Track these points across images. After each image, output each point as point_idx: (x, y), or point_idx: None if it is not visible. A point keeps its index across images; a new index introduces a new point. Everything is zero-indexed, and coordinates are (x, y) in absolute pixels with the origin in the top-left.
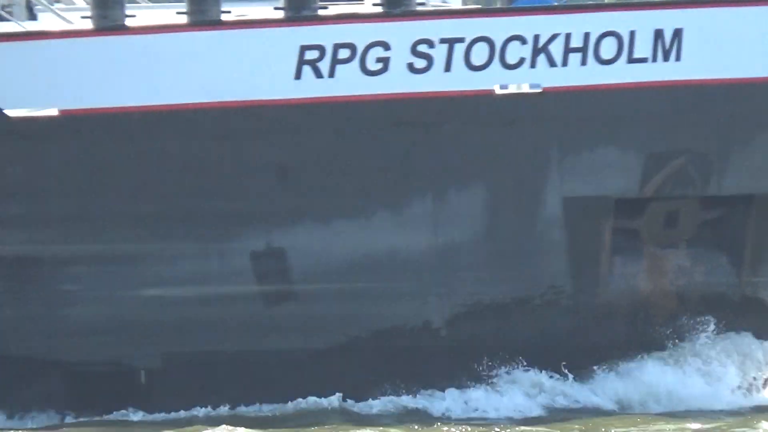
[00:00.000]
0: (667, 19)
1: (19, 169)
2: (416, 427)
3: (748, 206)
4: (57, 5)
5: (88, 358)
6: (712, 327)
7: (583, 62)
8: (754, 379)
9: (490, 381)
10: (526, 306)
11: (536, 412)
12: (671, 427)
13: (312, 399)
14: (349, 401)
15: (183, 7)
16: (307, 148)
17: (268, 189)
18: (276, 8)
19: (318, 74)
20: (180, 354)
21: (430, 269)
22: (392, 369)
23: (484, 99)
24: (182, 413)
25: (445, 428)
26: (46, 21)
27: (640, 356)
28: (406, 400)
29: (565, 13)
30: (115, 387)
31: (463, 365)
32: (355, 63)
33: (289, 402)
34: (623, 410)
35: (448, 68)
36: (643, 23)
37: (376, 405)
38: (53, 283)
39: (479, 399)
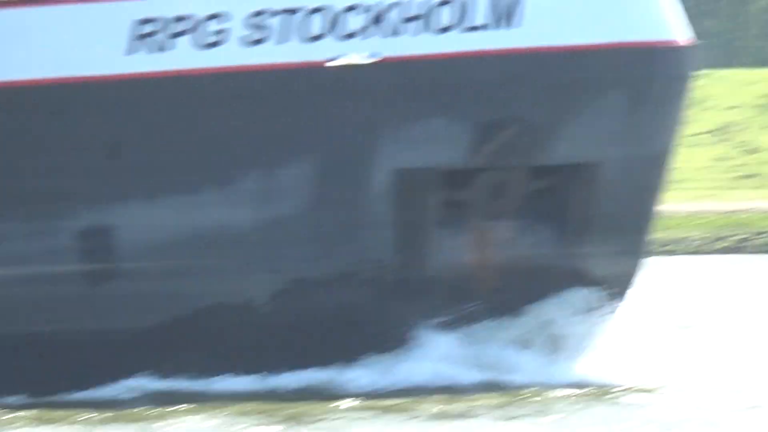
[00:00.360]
0: None
1: None
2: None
3: (574, 176)
4: None
5: None
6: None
7: (419, 31)
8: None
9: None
10: (352, 281)
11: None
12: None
13: (132, 380)
14: (173, 380)
15: None
16: (137, 124)
17: (97, 166)
18: None
19: (149, 49)
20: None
21: (255, 246)
22: (216, 347)
23: (315, 71)
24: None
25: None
26: None
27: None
28: (232, 380)
29: None
30: None
31: (290, 343)
32: (188, 36)
33: (110, 383)
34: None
35: (282, 40)
36: None
37: (202, 384)
38: None
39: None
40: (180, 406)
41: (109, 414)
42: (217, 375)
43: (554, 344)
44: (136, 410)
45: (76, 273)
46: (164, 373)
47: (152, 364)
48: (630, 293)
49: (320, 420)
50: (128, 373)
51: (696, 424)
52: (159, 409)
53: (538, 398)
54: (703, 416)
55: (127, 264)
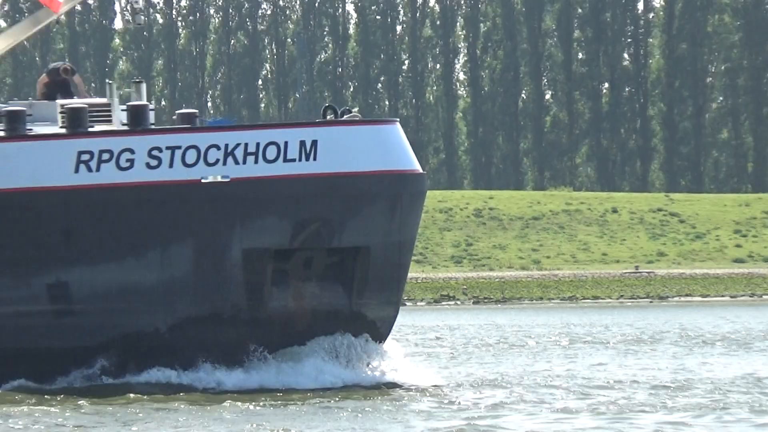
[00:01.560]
0: (307, 134)
1: None
2: None
3: (356, 254)
4: None
5: None
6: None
7: (256, 161)
8: (362, 363)
9: None
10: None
11: None
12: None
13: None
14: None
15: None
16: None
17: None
18: (61, 127)
19: (88, 169)
20: None
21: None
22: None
23: (194, 186)
24: None
25: None
26: None
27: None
28: None
29: (242, 130)
30: None
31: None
32: (112, 162)
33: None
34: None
35: (170, 165)
36: (293, 136)
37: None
38: None
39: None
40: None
41: None
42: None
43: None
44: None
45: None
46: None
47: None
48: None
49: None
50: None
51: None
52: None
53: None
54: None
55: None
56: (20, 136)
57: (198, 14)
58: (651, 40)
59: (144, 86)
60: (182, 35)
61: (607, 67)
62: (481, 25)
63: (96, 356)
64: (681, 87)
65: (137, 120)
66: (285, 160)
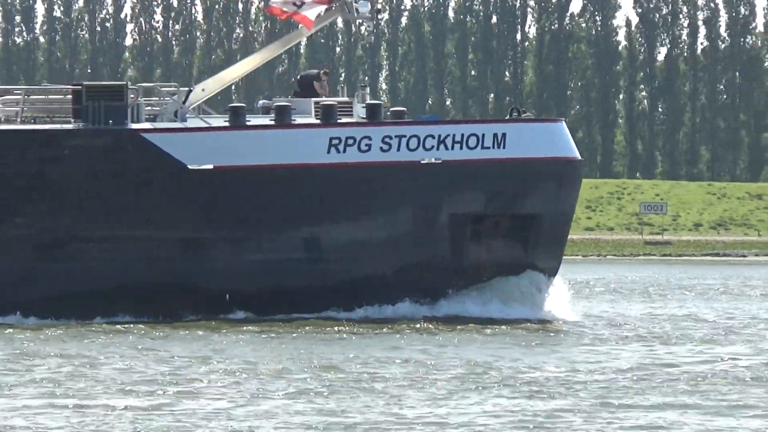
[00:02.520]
0: (498, 128)
1: None
2: None
3: (531, 219)
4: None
5: None
6: None
7: (461, 148)
8: (532, 302)
9: None
10: None
11: None
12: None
13: None
14: None
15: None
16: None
17: None
18: (316, 118)
19: (337, 151)
20: None
21: None
22: None
23: (415, 165)
24: None
25: None
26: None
27: None
28: None
29: (451, 124)
30: None
31: None
32: (355, 146)
33: None
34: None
35: (398, 149)
36: (488, 130)
37: None
38: None
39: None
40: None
41: None
42: None
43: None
44: None
45: None
46: None
47: None
48: None
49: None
50: None
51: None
52: None
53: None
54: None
55: None
56: (287, 125)
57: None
58: (526, 62)
59: (368, 89)
60: (176, 51)
61: (493, 82)
62: (399, 48)
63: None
64: (548, 98)
65: (373, 114)
66: (482, 147)
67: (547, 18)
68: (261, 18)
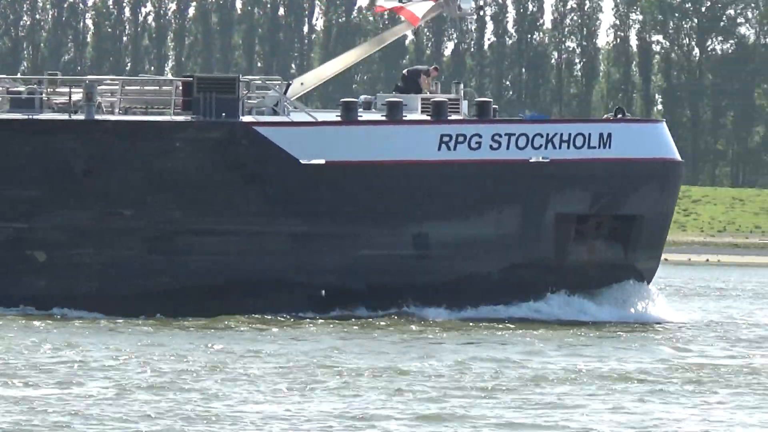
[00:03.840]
0: (604, 128)
1: None
2: None
3: (633, 220)
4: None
5: None
6: None
7: (568, 147)
8: (632, 303)
9: None
10: None
11: None
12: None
13: None
14: None
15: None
16: None
17: None
18: (427, 115)
19: (448, 148)
20: None
21: None
22: None
23: (523, 164)
24: None
25: None
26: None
27: None
28: None
29: (559, 123)
30: None
31: None
32: (465, 143)
33: None
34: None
35: (507, 147)
36: (594, 129)
37: None
38: None
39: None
40: None
41: None
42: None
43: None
44: None
45: None
46: None
47: None
48: None
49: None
50: None
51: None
52: None
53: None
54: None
55: None
56: (398, 120)
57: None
58: (312, 54)
59: (462, 85)
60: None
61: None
62: (186, 38)
63: (437, 292)
64: (333, 91)
65: (483, 112)
66: (588, 147)
67: (334, 11)
68: (374, 15)
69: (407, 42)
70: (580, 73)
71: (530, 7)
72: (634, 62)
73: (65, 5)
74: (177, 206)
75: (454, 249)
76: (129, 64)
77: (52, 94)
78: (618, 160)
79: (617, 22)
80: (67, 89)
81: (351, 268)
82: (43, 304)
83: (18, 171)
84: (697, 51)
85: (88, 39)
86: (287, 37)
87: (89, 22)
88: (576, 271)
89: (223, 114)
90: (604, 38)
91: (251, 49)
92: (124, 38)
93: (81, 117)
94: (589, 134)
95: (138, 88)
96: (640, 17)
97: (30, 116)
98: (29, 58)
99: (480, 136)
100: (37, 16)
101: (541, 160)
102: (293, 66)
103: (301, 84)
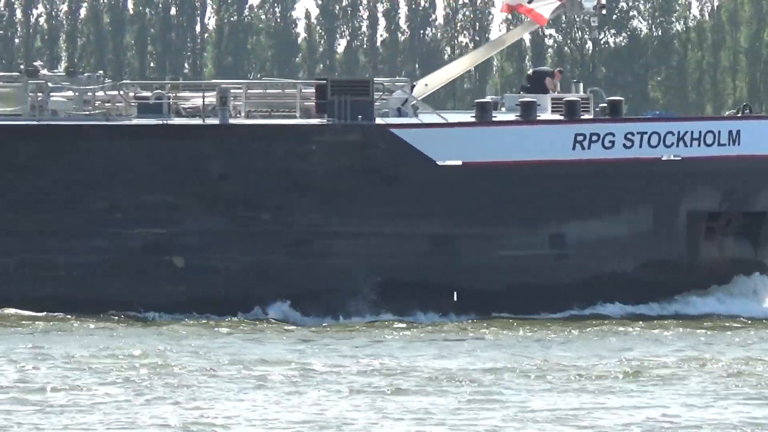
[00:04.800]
0: (734, 125)
1: None
2: None
3: (762, 217)
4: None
5: None
6: None
7: (699, 144)
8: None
9: None
10: None
11: None
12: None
13: None
14: None
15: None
16: None
17: None
18: (561, 115)
19: (582, 147)
20: None
21: None
22: None
23: (655, 162)
24: None
25: None
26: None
27: None
28: None
29: (690, 121)
30: None
31: None
32: (599, 142)
33: None
34: None
35: (639, 146)
36: (724, 127)
37: None
38: None
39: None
40: None
41: None
42: None
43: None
44: None
45: None
46: None
47: None
48: None
49: None
50: None
51: None
52: None
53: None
54: None
55: None
56: (533, 121)
57: None
58: (205, 54)
59: (581, 85)
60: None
61: (172, 74)
62: (78, 39)
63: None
64: None
65: (615, 111)
66: (718, 144)
67: (226, 9)
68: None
69: (300, 40)
70: (473, 69)
71: (422, 2)
72: (528, 56)
73: None
74: (315, 209)
75: (590, 248)
76: (21, 66)
77: (178, 99)
78: (747, 156)
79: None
80: (190, 93)
81: (489, 269)
82: (181, 310)
83: (154, 177)
84: (590, 44)
85: None
86: (179, 37)
87: None
88: (706, 268)
89: (359, 116)
90: (497, 33)
91: (144, 49)
92: (16, 40)
93: (215, 121)
94: (719, 131)
95: (261, 91)
96: None
97: (164, 121)
98: None
99: (613, 135)
100: None
101: (672, 158)
102: (186, 65)
103: (426, 85)
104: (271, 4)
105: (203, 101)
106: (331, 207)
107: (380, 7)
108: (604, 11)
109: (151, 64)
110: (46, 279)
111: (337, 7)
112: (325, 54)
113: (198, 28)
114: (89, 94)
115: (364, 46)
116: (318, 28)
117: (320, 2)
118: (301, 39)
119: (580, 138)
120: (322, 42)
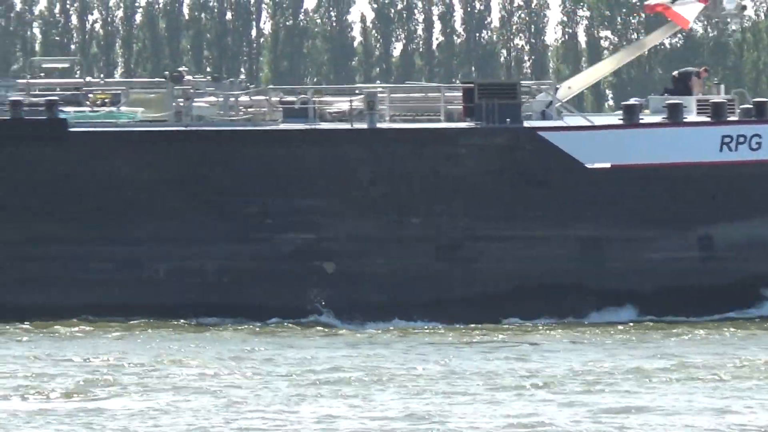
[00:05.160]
0: None
1: None
2: None
3: None
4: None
5: None
6: None
7: None
8: None
9: None
10: None
11: None
12: None
13: None
14: None
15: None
16: None
17: None
18: (707, 116)
19: (729, 149)
20: None
21: None
22: None
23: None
24: None
25: None
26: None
27: None
28: None
29: None
30: None
31: None
32: (746, 144)
33: None
34: None
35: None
36: None
37: None
38: None
39: None
40: None
41: None
42: None
43: None
44: None
45: None
46: None
47: None
48: None
49: None
50: None
51: None
52: None
53: None
54: None
55: None
56: (680, 123)
57: None
58: (261, 58)
59: (722, 86)
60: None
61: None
62: (134, 45)
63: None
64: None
65: (761, 112)
66: None
67: (281, 14)
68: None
69: (355, 44)
70: (529, 71)
71: (477, 5)
72: (583, 58)
73: (12, 15)
74: (465, 213)
75: (738, 250)
76: (78, 72)
77: (322, 104)
78: None
79: (565, 18)
80: (336, 98)
81: (640, 273)
82: (331, 314)
83: (303, 181)
84: None
85: (36, 48)
86: (235, 41)
87: (36, 31)
88: None
89: (507, 120)
90: (552, 35)
91: (200, 54)
92: (72, 46)
93: (363, 126)
94: None
95: (405, 95)
96: (588, 13)
97: (312, 126)
98: None
99: (760, 137)
100: None
101: None
102: (242, 70)
103: (569, 88)
104: (326, 8)
105: (350, 105)
106: (480, 210)
107: (435, 10)
108: (745, 12)
109: (208, 69)
110: (195, 286)
111: (393, 11)
112: (381, 58)
113: (254, 33)
114: (232, 99)
115: (420, 50)
116: (374, 31)
117: (376, 6)
118: (357, 43)
119: (726, 140)
120: (377, 46)
